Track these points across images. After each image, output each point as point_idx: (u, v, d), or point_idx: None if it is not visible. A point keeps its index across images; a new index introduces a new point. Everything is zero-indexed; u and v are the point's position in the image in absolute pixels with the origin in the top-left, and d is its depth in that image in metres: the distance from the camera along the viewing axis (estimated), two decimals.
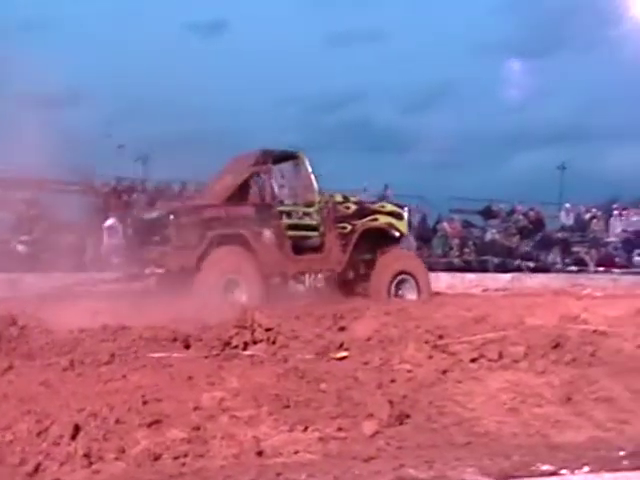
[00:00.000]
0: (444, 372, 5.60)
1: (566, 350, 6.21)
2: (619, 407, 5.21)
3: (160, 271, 9.86)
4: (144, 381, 4.99)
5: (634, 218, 19.73)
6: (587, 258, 18.71)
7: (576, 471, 3.87)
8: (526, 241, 19.15)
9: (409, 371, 5.58)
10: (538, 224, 19.91)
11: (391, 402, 4.69)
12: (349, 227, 10.79)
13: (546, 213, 21.39)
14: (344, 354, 6.16)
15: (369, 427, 4.34)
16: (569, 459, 4.11)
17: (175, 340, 6.33)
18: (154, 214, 10.73)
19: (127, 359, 5.82)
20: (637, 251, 18.35)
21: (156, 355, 5.90)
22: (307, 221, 10.72)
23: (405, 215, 11.68)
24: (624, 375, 5.84)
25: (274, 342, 6.45)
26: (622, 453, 4.29)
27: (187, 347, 6.28)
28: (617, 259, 18.80)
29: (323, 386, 5.04)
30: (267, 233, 10.13)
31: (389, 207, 11.63)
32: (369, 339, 6.60)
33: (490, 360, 5.93)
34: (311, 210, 10.74)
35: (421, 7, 39.99)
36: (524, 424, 4.75)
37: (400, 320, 7.17)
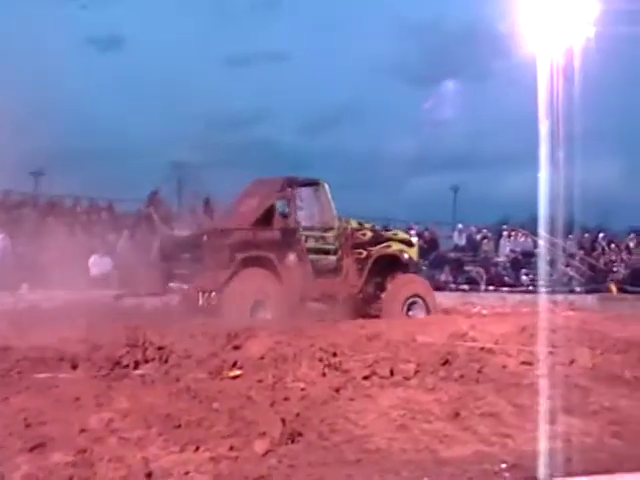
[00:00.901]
0: (337, 390, 5.69)
1: (455, 367, 6.44)
2: (503, 422, 5.45)
3: (186, 287, 10.30)
4: (27, 403, 4.82)
5: (521, 239, 20.65)
6: (478, 277, 19.39)
7: None
8: (421, 260, 19.63)
9: (302, 389, 5.63)
10: (432, 244, 20.50)
11: (284, 420, 4.73)
12: (365, 253, 11.55)
13: (440, 233, 22.08)
14: (237, 373, 6.15)
15: (261, 446, 4.35)
16: (455, 473, 4.26)
17: (62, 360, 6.14)
18: (185, 232, 11.22)
19: (10, 381, 5.60)
20: (524, 271, 19.18)
21: (41, 376, 5.71)
22: (326, 245, 11.38)
23: (415, 243, 12.70)
24: (508, 390, 6.12)
25: (166, 361, 6.37)
26: (504, 466, 4.48)
27: (74, 367, 6.10)
28: (506, 278, 19.59)
29: (215, 405, 5.02)
30: (291, 257, 10.76)
31: (401, 235, 12.63)
32: (263, 357, 6.61)
33: (382, 377, 6.07)
34: (330, 235, 11.41)
35: (323, 30, 40.56)
36: (414, 440, 4.88)
37: (294, 339, 7.23)
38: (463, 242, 21.62)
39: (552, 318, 8.43)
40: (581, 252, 20.01)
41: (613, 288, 18.53)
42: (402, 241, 12.30)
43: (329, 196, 11.55)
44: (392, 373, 6.15)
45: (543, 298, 12.44)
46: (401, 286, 11.67)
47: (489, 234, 21.82)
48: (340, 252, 11.41)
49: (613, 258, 20.27)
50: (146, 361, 6.32)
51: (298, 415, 4.93)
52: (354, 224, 11.84)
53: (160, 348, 6.46)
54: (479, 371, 6.42)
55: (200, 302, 10.44)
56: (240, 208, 11.56)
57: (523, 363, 6.89)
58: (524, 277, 18.76)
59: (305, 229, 11.24)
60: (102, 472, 3.82)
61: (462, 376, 6.27)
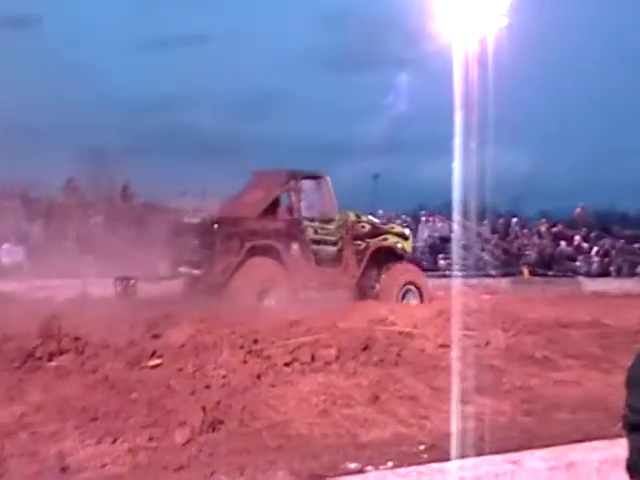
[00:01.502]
0: (258, 376, 5.68)
1: (374, 351, 6.52)
2: (421, 404, 5.56)
3: (197, 272, 10.62)
4: None
5: (439, 224, 21.05)
6: None
7: (380, 467, 4.06)
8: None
9: (223, 377, 5.59)
10: None
11: (204, 409, 4.68)
12: (363, 244, 12.13)
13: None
14: (157, 362, 6.05)
15: (181, 435, 4.31)
16: (375, 456, 4.32)
17: None
18: (196, 219, 11.50)
19: None
20: (441, 255, 19.57)
21: None
22: (327, 237, 11.82)
23: (410, 236, 13.39)
24: (426, 373, 6.25)
25: (82, 352, 6.19)
26: (422, 447, 4.58)
27: None
28: (424, 263, 19.96)
29: (134, 396, 4.93)
30: (295, 246, 11.25)
31: (397, 229, 13.35)
32: (183, 346, 6.51)
33: (303, 363, 6.09)
34: (331, 227, 11.88)
35: (248, 14, 40.07)
36: (334, 425, 4.93)
37: (215, 326, 7.15)
38: None
39: (468, 302, 8.64)
40: (495, 237, 20.56)
41: (525, 271, 19.13)
42: (397, 234, 12.91)
43: (331, 189, 12.00)
44: (313, 359, 6.18)
45: (459, 282, 12.73)
46: (397, 275, 12.23)
47: (408, 219, 22.16)
48: (340, 243, 11.92)
49: (525, 242, 20.92)
50: (61, 352, 6.13)
51: (219, 403, 4.89)
52: (352, 216, 12.34)
53: (76, 339, 6.28)
54: (398, 355, 6.52)
55: (118, 290, 10.28)
56: (244, 199, 11.91)
57: (440, 346, 7.03)
58: (442, 262, 19.11)
59: (308, 220, 11.65)
60: (14, 468, 3.70)
61: (382, 360, 6.36)
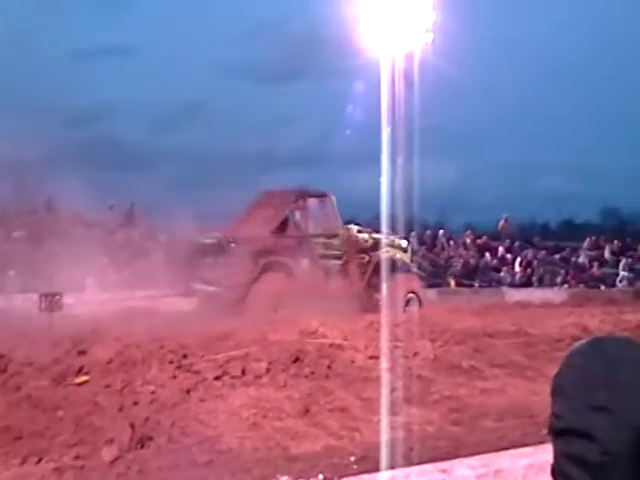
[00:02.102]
0: (188, 391, 5.62)
1: (305, 364, 6.54)
2: (351, 415, 5.61)
3: (213, 289, 11.22)
4: None
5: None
6: None
7: (311, 479, 4.08)
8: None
9: (152, 392, 5.52)
10: None
11: (133, 425, 4.61)
12: (367, 257, 12.82)
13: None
14: (84, 379, 5.92)
15: (109, 453, 4.23)
16: (306, 469, 4.34)
17: None
18: (210, 240, 11.94)
19: None
20: None
21: None
22: (333, 251, 12.54)
23: (409, 248, 14.24)
24: (356, 385, 6.31)
25: (5, 370, 6.01)
26: (352, 459, 4.62)
27: None
28: None
29: (60, 414, 4.81)
30: (305, 262, 11.95)
31: (397, 242, 13.80)
32: (111, 362, 6.38)
33: (233, 377, 6.06)
34: (336, 242, 12.60)
35: (172, 27, 39.69)
36: (265, 438, 4.92)
37: (143, 341, 7.04)
38: None
39: (397, 313, 8.77)
40: (423, 248, 20.90)
41: (452, 282, 19.49)
42: (398, 247, 13.70)
43: (335, 206, 12.83)
44: (244, 372, 6.15)
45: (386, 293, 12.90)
46: (400, 285, 12.79)
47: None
48: (346, 257, 12.65)
49: (452, 254, 21.33)
50: None
51: (148, 419, 4.82)
52: (355, 231, 13.06)
53: None
54: (329, 367, 6.56)
55: (43, 306, 10.02)
56: (252, 217, 12.53)
57: (370, 357, 7.10)
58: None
59: (315, 236, 12.48)
60: None
61: (312, 372, 6.39)
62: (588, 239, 24.13)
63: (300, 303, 10.86)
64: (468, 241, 21.95)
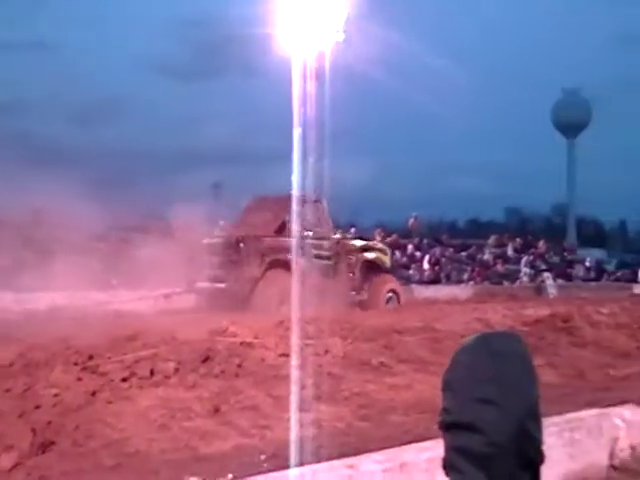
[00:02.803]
0: (94, 394, 5.48)
1: (215, 363, 6.48)
2: (262, 414, 5.61)
3: (222, 286, 12.13)
4: None
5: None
6: None
7: (220, 479, 4.06)
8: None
9: (56, 395, 5.34)
10: None
11: (34, 430, 4.46)
12: (354, 258, 14.04)
13: (202, 231, 21.95)
14: None
15: (8, 459, 4.08)
16: (215, 469, 4.31)
17: None
18: (217, 240, 13.27)
19: None
20: None
21: None
22: (325, 252, 13.55)
23: (388, 251, 15.80)
24: (267, 383, 6.31)
25: None
26: (263, 457, 4.62)
27: None
28: None
29: None
30: (302, 261, 12.37)
31: (379, 245, 15.79)
32: (12, 364, 6.14)
33: (141, 378, 5.94)
34: (328, 243, 13.65)
35: (91, 22, 38.65)
36: (174, 439, 4.86)
37: (48, 342, 6.81)
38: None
39: (308, 311, 8.82)
40: None
41: None
42: (379, 249, 15.20)
43: (326, 210, 13.93)
44: (152, 373, 6.04)
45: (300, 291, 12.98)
46: (382, 284, 14.33)
47: None
48: (336, 258, 13.77)
49: None
50: None
51: (50, 423, 4.67)
52: (343, 235, 14.50)
53: None
54: (239, 365, 6.53)
55: None
56: (250, 221, 13.70)
57: (281, 355, 7.11)
58: None
59: (310, 238, 13.19)
60: None
61: (222, 371, 6.34)
62: (492, 237, 24.98)
63: (299, 301, 11.34)
64: (378, 239, 22.29)
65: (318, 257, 13.36)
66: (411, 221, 24.42)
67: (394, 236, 22.61)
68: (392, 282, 14.92)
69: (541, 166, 69.31)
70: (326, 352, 7.48)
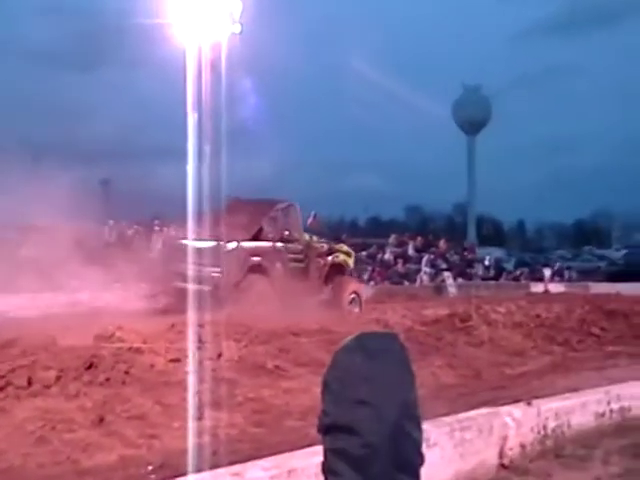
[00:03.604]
0: None
1: (100, 370, 6.34)
2: (150, 423, 5.53)
3: (207, 288, 12.23)
4: None
5: (173, 233, 20.91)
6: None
7: None
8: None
9: None
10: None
11: None
12: (322, 261, 14.94)
13: (90, 230, 21.34)
14: None
15: None
16: None
17: None
18: (199, 243, 13.21)
19: None
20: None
21: None
22: (297, 255, 14.33)
23: (352, 253, 16.59)
24: (156, 390, 6.22)
25: None
26: (150, 468, 4.57)
27: None
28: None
29: None
30: (278, 265, 13.74)
31: (345, 248, 16.39)
32: None
33: (18, 388, 5.74)
34: (299, 247, 14.44)
35: None
36: (54, 452, 4.72)
37: None
38: (114, 239, 21.28)
39: (202, 313, 8.76)
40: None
41: None
42: (344, 252, 15.96)
43: (299, 214, 15.01)
44: (30, 382, 5.85)
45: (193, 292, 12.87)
46: (345, 286, 15.19)
47: (140, 229, 21.79)
48: (307, 261, 14.57)
49: None
50: None
51: None
52: (310, 238, 15.03)
53: None
54: (126, 372, 6.41)
55: None
56: (226, 223, 13.58)
57: (171, 361, 7.03)
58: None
59: (284, 242, 14.11)
60: None
61: (108, 379, 6.21)
62: (393, 236, 25.50)
63: (276, 302, 12.78)
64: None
65: (292, 260, 14.27)
66: (310, 220, 24.55)
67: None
68: (355, 284, 16.01)
69: (443, 164, 71.52)
70: (219, 356, 7.45)
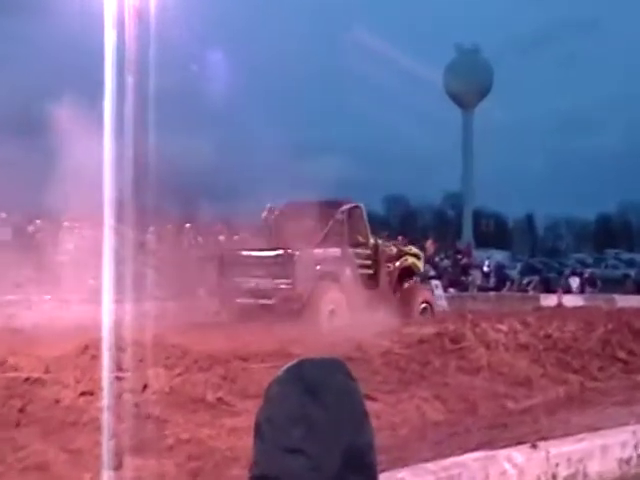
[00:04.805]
0: None
1: None
2: (53, 475, 5.46)
3: (270, 302, 14.30)
4: None
5: (88, 231, 20.86)
6: None
7: None
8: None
9: None
10: None
11: None
12: (392, 266, 16.64)
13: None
14: None
15: None
16: None
17: None
18: (261, 253, 15.53)
19: None
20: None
21: None
22: (366, 261, 16.04)
23: (421, 255, 18.41)
24: (62, 432, 6.15)
25: None
26: None
27: None
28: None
29: None
30: (348, 271, 15.33)
31: (413, 250, 18.09)
32: None
33: None
34: (367, 251, 16.12)
35: None
36: None
37: None
38: (9, 236, 21.12)
39: (121, 334, 8.65)
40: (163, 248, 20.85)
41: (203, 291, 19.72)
42: (413, 254, 17.66)
43: (365, 216, 16.52)
44: None
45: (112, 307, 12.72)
46: (417, 294, 17.03)
47: (47, 227, 21.60)
48: (375, 266, 16.16)
49: (202, 254, 21.51)
50: None
51: None
52: (378, 240, 16.58)
53: None
54: (21, 410, 6.33)
55: None
56: (287, 229, 15.88)
57: (83, 394, 6.97)
58: (92, 281, 18.95)
59: (352, 246, 15.76)
60: None
61: None
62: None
63: (347, 312, 14.46)
64: (223, 238, 22.26)
65: (360, 267, 15.81)
66: (265, 213, 24.56)
67: (245, 233, 22.64)
68: (425, 292, 17.86)
69: (432, 145, 71.87)
70: (145, 388, 7.38)
